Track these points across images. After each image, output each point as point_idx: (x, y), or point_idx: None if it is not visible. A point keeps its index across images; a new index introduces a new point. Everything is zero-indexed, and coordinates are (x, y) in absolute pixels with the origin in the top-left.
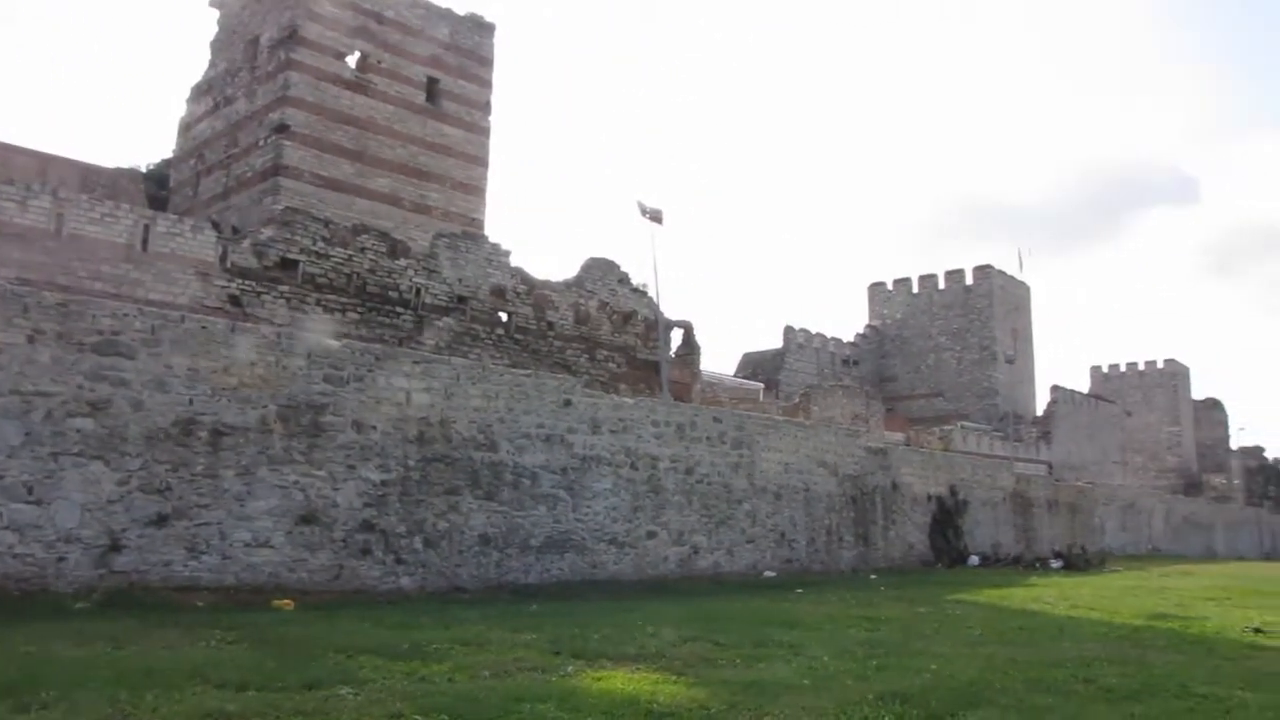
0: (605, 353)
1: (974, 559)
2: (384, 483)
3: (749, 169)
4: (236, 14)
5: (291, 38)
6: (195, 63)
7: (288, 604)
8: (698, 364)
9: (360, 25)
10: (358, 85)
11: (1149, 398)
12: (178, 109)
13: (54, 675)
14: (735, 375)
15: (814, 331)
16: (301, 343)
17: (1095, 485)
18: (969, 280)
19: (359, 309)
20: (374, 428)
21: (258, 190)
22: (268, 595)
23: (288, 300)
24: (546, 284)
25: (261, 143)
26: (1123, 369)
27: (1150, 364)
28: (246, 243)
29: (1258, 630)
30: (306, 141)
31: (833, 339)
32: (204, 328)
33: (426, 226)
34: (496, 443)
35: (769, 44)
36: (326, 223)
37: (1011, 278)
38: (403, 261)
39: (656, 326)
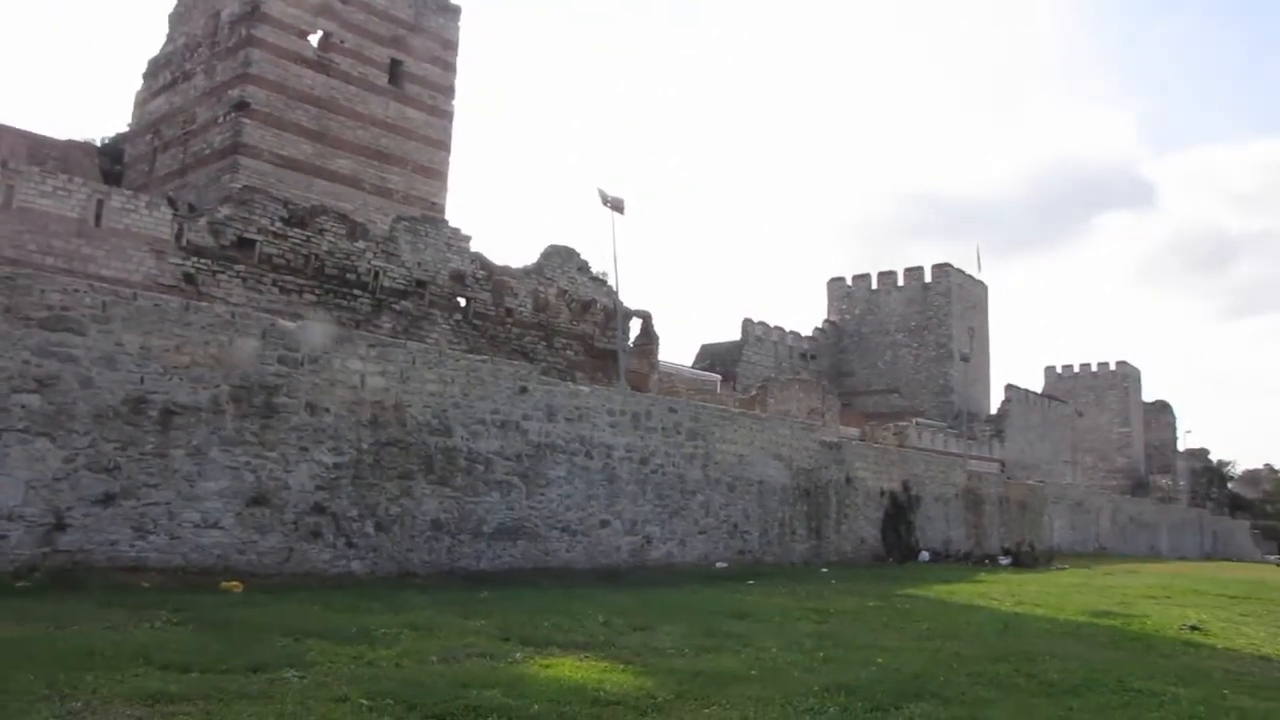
0: (563, 341)
1: (925, 555)
2: (337, 466)
3: (712, 162)
4: None
5: (254, 14)
6: (153, 35)
7: (236, 586)
8: (656, 354)
9: (323, 4)
10: (320, 64)
11: (1100, 399)
12: (134, 82)
13: None
14: (693, 366)
15: (772, 325)
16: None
17: (1046, 484)
18: (928, 278)
19: (316, 291)
20: (328, 410)
21: (216, 168)
22: (216, 577)
23: (244, 280)
24: (506, 270)
25: (220, 120)
26: (1076, 370)
27: (1103, 365)
28: (203, 221)
29: (1194, 628)
30: (266, 120)
31: (791, 333)
32: (157, 305)
33: (387, 209)
34: (451, 428)
35: (740, 40)
36: (285, 203)
37: (970, 276)
38: (362, 244)
39: (615, 315)
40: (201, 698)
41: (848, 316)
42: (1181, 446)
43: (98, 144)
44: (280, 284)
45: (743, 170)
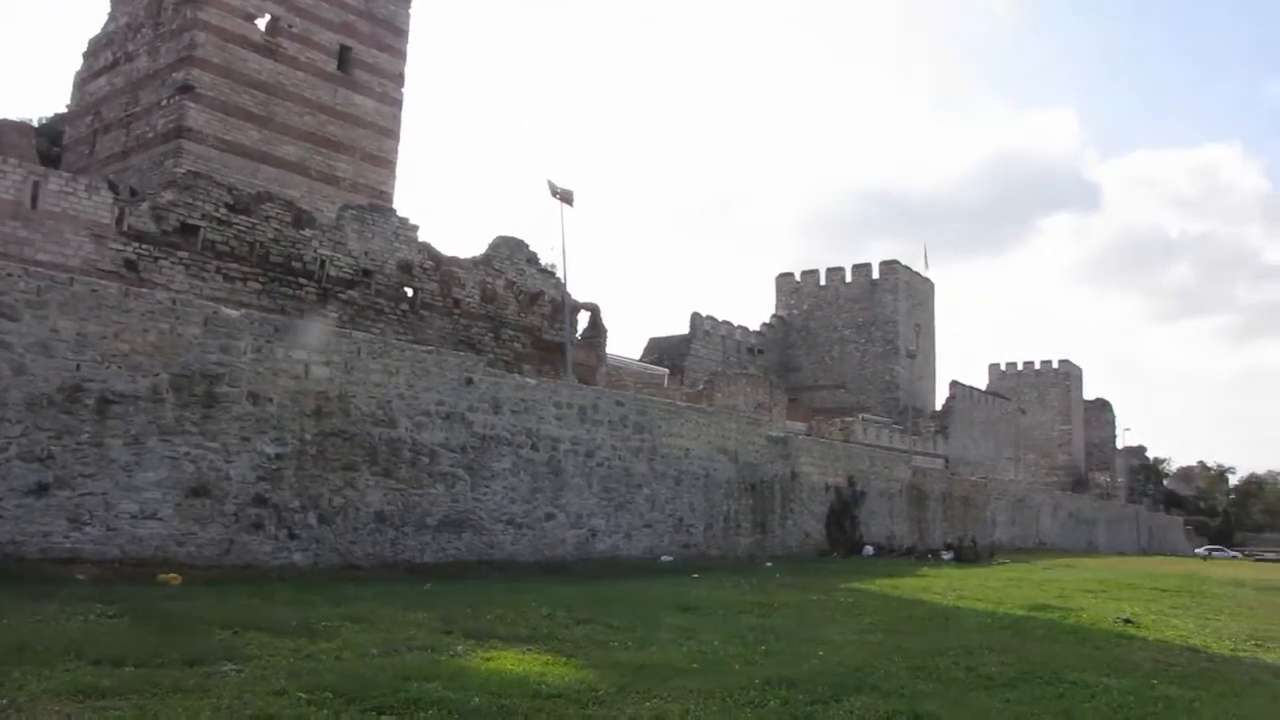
0: (511, 332)
1: (869, 549)
2: (279, 456)
3: (666, 158)
4: None
5: None
6: (94, 12)
7: (174, 578)
8: (603, 347)
9: None
10: (267, 49)
11: (1043, 397)
12: (74, 61)
13: None
14: (641, 359)
15: (721, 319)
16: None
17: (989, 480)
18: (875, 275)
19: (261, 279)
20: (270, 400)
21: (158, 152)
22: (154, 569)
23: (186, 267)
24: (454, 260)
25: (164, 103)
26: (1020, 368)
27: (1046, 364)
28: (145, 206)
29: (1127, 621)
30: (211, 104)
31: (739, 327)
32: (94, 291)
33: (334, 197)
34: (396, 419)
35: (696, 36)
36: (230, 189)
37: (917, 274)
38: (308, 232)
39: (563, 308)
40: (135, 692)
41: (796, 312)
42: (1120, 444)
43: (35, 124)
44: (224, 271)
45: (696, 166)
